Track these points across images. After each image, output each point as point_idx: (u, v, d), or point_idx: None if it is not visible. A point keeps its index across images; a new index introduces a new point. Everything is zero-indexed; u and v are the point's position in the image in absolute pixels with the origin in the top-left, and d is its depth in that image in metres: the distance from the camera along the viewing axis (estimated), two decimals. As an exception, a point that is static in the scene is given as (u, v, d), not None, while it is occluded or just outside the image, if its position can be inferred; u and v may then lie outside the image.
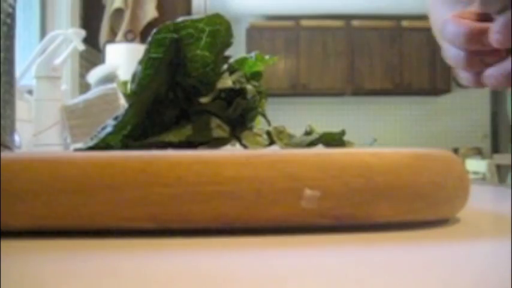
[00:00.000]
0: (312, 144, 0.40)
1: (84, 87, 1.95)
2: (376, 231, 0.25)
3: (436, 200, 0.26)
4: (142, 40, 2.42)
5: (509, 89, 0.59)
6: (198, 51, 0.39)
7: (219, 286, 0.17)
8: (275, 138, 0.41)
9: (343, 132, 0.41)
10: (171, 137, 0.38)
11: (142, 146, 0.39)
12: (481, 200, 0.38)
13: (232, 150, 0.26)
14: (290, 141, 0.41)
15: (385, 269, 0.19)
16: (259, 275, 0.18)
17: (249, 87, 0.42)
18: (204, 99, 0.39)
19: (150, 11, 2.51)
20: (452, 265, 0.20)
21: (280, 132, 0.42)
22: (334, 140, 0.41)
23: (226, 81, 0.40)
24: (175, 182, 0.23)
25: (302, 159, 0.24)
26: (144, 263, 0.20)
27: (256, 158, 0.24)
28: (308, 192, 0.23)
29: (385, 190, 0.24)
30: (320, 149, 0.26)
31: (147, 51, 0.38)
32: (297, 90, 4.70)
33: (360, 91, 4.82)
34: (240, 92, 0.41)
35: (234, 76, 0.42)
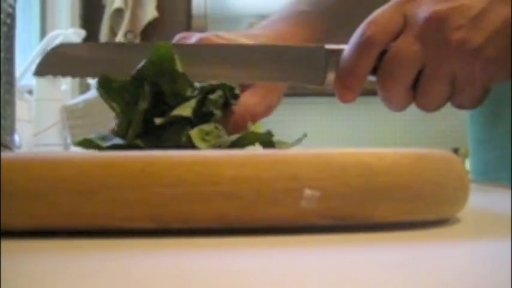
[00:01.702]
0: (233, 145, 0.39)
1: (84, 87, 1.95)
2: (376, 231, 0.25)
3: (436, 200, 0.26)
4: (142, 40, 2.42)
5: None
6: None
7: (219, 286, 0.17)
8: (196, 140, 0.40)
9: (270, 133, 0.40)
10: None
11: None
12: (481, 200, 0.38)
13: (232, 150, 0.26)
14: (215, 142, 0.40)
15: (385, 269, 0.19)
16: (258, 275, 0.18)
17: (216, 112, 0.41)
18: (158, 120, 0.39)
19: (150, 11, 2.51)
20: (452, 265, 0.20)
21: (207, 133, 0.41)
22: (259, 140, 0.40)
23: (185, 109, 0.40)
24: (175, 182, 0.23)
25: (302, 159, 0.24)
26: (144, 263, 0.20)
27: (256, 158, 0.24)
28: (308, 192, 0.23)
29: (385, 190, 0.24)
30: (320, 149, 0.26)
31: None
32: (296, 90, 4.69)
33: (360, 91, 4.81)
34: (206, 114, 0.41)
35: (214, 96, 0.42)
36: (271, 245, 0.23)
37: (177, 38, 0.54)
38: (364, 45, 0.45)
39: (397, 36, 0.44)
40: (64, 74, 0.46)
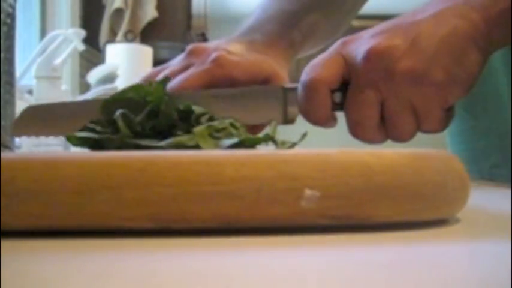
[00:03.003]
0: (232, 147, 0.39)
1: (84, 87, 1.95)
2: (376, 231, 0.25)
3: (436, 200, 0.26)
4: (143, 40, 2.42)
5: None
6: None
7: (219, 286, 0.17)
8: (200, 139, 0.40)
9: (269, 136, 0.40)
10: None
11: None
12: (481, 200, 0.38)
13: (232, 150, 0.26)
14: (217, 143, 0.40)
15: (385, 269, 0.19)
16: (259, 275, 0.18)
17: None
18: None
19: (150, 11, 2.51)
20: (452, 265, 0.20)
21: (217, 130, 0.41)
22: (259, 143, 0.40)
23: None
24: (175, 182, 0.23)
25: (302, 159, 0.24)
26: (144, 263, 0.20)
27: (256, 158, 0.24)
28: (308, 192, 0.23)
29: (385, 190, 0.24)
30: (320, 149, 0.26)
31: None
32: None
33: (360, 91, 4.81)
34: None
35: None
36: (271, 245, 0.23)
37: (189, 49, 0.55)
38: (308, 89, 0.45)
39: (341, 76, 0.45)
40: (38, 134, 0.47)
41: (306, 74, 0.46)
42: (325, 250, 0.22)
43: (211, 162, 0.23)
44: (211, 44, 0.56)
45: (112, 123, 0.40)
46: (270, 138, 0.40)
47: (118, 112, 0.39)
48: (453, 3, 0.45)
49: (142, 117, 0.40)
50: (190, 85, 0.50)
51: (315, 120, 0.46)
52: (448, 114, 0.45)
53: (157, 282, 0.17)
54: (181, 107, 0.42)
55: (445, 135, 0.71)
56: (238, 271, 0.19)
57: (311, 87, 0.45)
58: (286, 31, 0.60)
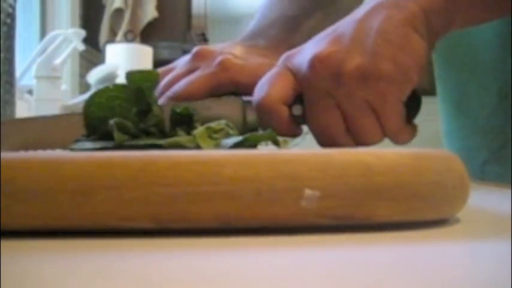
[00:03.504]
0: (236, 145, 0.39)
1: (84, 87, 1.95)
2: (376, 231, 0.25)
3: (436, 200, 0.26)
4: (143, 40, 2.42)
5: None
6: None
7: (218, 286, 0.17)
8: (200, 140, 0.40)
9: (272, 134, 0.40)
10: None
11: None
12: (481, 200, 0.38)
13: (232, 150, 0.26)
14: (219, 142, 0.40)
15: (385, 269, 0.19)
16: (259, 275, 0.18)
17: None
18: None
19: (150, 11, 2.51)
20: (452, 265, 0.20)
21: (215, 131, 0.41)
22: (261, 141, 0.40)
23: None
24: (175, 182, 0.23)
25: (302, 159, 0.24)
26: (144, 263, 0.20)
27: (256, 158, 0.24)
28: (308, 192, 0.23)
29: (385, 190, 0.24)
30: (320, 149, 0.26)
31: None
32: (297, 90, 4.69)
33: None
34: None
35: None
36: (271, 245, 0.23)
37: (195, 52, 0.55)
38: (261, 109, 0.45)
39: (293, 90, 0.45)
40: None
41: (256, 95, 0.46)
42: (325, 250, 0.22)
43: (211, 162, 0.23)
44: (216, 48, 0.56)
45: (104, 134, 0.40)
46: (272, 136, 0.40)
47: (112, 121, 0.39)
48: None
49: (133, 120, 0.40)
50: (195, 88, 0.50)
51: (284, 136, 0.45)
52: (411, 125, 0.45)
53: (157, 282, 0.17)
54: (178, 110, 0.42)
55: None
56: (238, 271, 0.19)
57: (264, 106, 0.45)
58: (288, 36, 0.60)
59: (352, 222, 0.24)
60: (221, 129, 0.40)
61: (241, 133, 0.45)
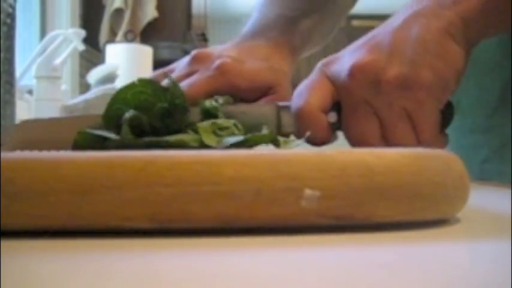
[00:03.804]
0: (237, 145, 0.39)
1: (84, 87, 1.95)
2: (376, 231, 0.25)
3: (436, 200, 0.26)
4: (143, 40, 2.42)
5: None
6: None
7: (218, 286, 0.17)
8: (204, 135, 0.39)
9: (272, 135, 0.40)
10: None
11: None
12: (481, 200, 0.38)
13: (232, 150, 0.26)
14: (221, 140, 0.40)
15: (385, 269, 0.19)
16: (258, 275, 0.18)
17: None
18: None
19: (150, 11, 2.51)
20: (452, 265, 0.20)
21: (221, 128, 0.41)
22: (262, 142, 0.40)
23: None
24: (175, 182, 0.23)
25: (302, 159, 0.24)
26: (144, 263, 0.20)
27: (256, 158, 0.24)
28: (308, 192, 0.23)
29: (385, 190, 0.24)
30: (320, 149, 0.26)
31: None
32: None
33: (360, 91, 4.81)
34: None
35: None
36: (271, 245, 0.23)
37: (193, 55, 0.55)
38: (301, 118, 0.45)
39: (331, 98, 0.45)
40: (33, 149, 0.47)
41: (295, 102, 0.46)
42: (325, 250, 0.22)
43: (211, 162, 0.23)
44: (215, 50, 0.56)
45: (118, 126, 0.40)
46: (273, 137, 0.40)
47: (127, 114, 0.39)
48: (422, 6, 0.45)
49: (156, 116, 0.40)
50: (194, 92, 0.50)
51: (316, 143, 0.46)
52: (443, 134, 0.46)
53: (158, 282, 0.17)
54: (207, 105, 0.42)
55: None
56: (238, 271, 0.19)
57: (303, 114, 0.45)
58: (288, 37, 0.60)
59: (352, 222, 0.24)
60: (227, 128, 0.40)
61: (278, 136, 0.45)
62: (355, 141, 0.45)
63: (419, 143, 0.44)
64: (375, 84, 0.43)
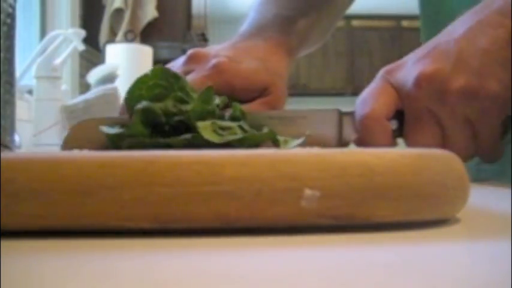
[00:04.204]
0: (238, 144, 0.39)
1: (84, 87, 1.95)
2: (376, 231, 0.25)
3: (436, 200, 0.26)
4: (143, 40, 2.42)
5: None
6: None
7: (218, 286, 0.17)
8: (204, 132, 0.39)
9: (272, 133, 0.40)
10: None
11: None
12: (481, 200, 0.38)
13: (232, 150, 0.26)
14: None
15: (385, 269, 0.19)
16: (258, 275, 0.18)
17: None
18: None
19: (150, 11, 2.51)
20: (452, 265, 0.20)
21: (223, 128, 0.41)
22: (262, 140, 0.40)
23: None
24: (175, 182, 0.23)
25: (302, 159, 0.24)
26: (144, 263, 0.20)
27: (256, 158, 0.24)
28: (308, 192, 0.23)
29: (385, 190, 0.24)
30: (320, 149, 0.26)
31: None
32: (297, 90, 4.70)
33: (360, 91, 4.80)
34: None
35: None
36: (271, 245, 0.23)
37: (189, 54, 0.55)
38: (366, 126, 0.45)
39: (394, 106, 0.45)
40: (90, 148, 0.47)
41: (360, 110, 0.46)
42: (325, 250, 0.22)
43: (211, 162, 0.23)
44: (212, 50, 0.56)
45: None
46: (272, 136, 0.40)
47: (139, 106, 0.39)
48: (484, 15, 0.45)
49: (170, 103, 0.40)
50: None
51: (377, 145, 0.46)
52: (504, 130, 0.46)
53: (158, 282, 0.17)
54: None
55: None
56: (238, 271, 0.19)
57: (369, 122, 0.45)
58: (285, 38, 0.60)
59: (352, 222, 0.24)
60: (229, 128, 0.40)
61: (336, 146, 0.45)
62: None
63: (478, 152, 0.45)
64: (440, 94, 0.43)
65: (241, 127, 0.41)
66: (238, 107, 0.44)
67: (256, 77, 0.53)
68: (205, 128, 0.39)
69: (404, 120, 0.46)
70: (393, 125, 0.46)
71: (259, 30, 0.60)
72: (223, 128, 0.40)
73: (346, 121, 0.48)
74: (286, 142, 0.42)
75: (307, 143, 0.45)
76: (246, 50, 0.57)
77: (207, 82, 0.51)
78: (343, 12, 0.73)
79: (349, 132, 0.47)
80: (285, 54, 0.59)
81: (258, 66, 0.54)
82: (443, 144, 0.44)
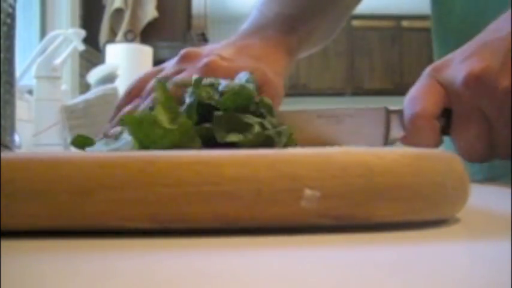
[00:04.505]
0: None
1: (84, 87, 1.95)
2: (376, 231, 0.25)
3: (436, 200, 0.26)
4: (143, 40, 2.42)
5: None
6: None
7: (218, 286, 0.17)
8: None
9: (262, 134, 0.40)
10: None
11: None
12: (481, 200, 0.38)
13: (232, 150, 0.26)
14: None
15: (385, 269, 0.19)
16: (258, 275, 0.18)
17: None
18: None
19: (150, 11, 2.51)
20: (452, 265, 0.20)
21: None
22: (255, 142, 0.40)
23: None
24: (175, 182, 0.23)
25: (302, 159, 0.24)
26: (144, 263, 0.20)
27: (256, 158, 0.24)
28: (308, 192, 0.23)
29: (385, 190, 0.24)
30: (320, 149, 0.26)
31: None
32: (297, 90, 4.70)
33: (360, 91, 4.82)
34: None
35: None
36: (271, 245, 0.23)
37: (182, 54, 0.55)
38: (415, 124, 0.45)
39: (443, 104, 0.45)
40: None
41: (409, 108, 0.46)
42: (325, 250, 0.22)
43: (211, 162, 0.23)
44: (205, 49, 0.56)
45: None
46: (265, 137, 0.40)
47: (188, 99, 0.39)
48: None
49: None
50: (180, 90, 0.50)
51: (425, 145, 0.46)
52: None
53: (158, 282, 0.17)
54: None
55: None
56: (238, 271, 0.19)
57: (418, 122, 0.45)
58: (285, 37, 0.60)
59: (352, 222, 0.24)
60: (247, 124, 0.40)
61: (383, 144, 0.45)
62: (463, 147, 0.46)
63: None
64: (489, 93, 0.43)
65: (262, 124, 0.41)
66: (266, 102, 0.43)
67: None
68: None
69: (451, 117, 0.46)
70: (441, 122, 0.46)
71: (258, 29, 0.60)
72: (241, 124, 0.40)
73: (394, 119, 0.48)
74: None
75: (354, 141, 0.46)
76: (241, 48, 0.56)
77: None
78: (347, 14, 0.72)
79: (397, 131, 0.47)
80: (284, 53, 0.59)
81: (250, 64, 0.54)
82: (491, 141, 0.45)
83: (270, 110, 0.43)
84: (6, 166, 0.23)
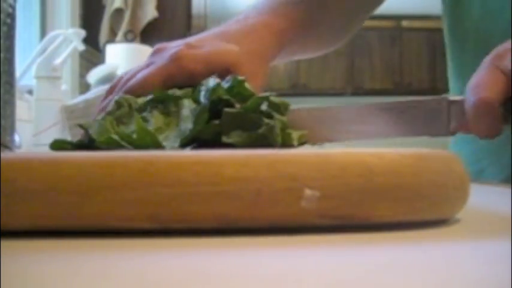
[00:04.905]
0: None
1: (84, 87, 1.95)
2: (376, 231, 0.25)
3: (436, 200, 0.26)
4: (143, 40, 2.42)
5: None
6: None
7: (218, 286, 0.17)
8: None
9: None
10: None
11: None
12: (481, 200, 0.38)
13: (232, 150, 0.26)
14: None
15: (384, 269, 0.19)
16: (258, 275, 0.18)
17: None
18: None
19: (150, 11, 2.51)
20: (452, 265, 0.20)
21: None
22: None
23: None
24: (175, 182, 0.23)
25: (302, 159, 0.24)
26: (144, 263, 0.20)
27: (256, 158, 0.24)
28: (308, 192, 0.23)
29: (385, 190, 0.24)
30: (320, 149, 0.26)
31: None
32: (297, 90, 4.70)
33: (360, 91, 4.82)
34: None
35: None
36: (271, 245, 0.23)
37: (154, 48, 0.55)
38: (480, 112, 0.45)
39: (506, 92, 0.45)
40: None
41: (473, 97, 0.45)
42: (325, 250, 0.22)
43: (211, 162, 0.23)
44: (177, 41, 0.55)
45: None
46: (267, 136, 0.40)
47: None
48: None
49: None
50: (148, 81, 0.50)
51: (487, 136, 0.46)
52: None
53: (158, 282, 0.17)
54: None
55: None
56: (238, 271, 0.19)
57: (482, 110, 0.45)
58: (273, 18, 0.59)
59: (352, 222, 0.24)
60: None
61: (444, 135, 0.45)
62: None
63: None
64: None
65: (268, 124, 0.40)
66: (273, 101, 0.43)
67: (214, 58, 0.52)
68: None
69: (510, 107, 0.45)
70: (501, 111, 0.46)
71: (246, 15, 0.59)
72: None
73: (454, 109, 0.47)
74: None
75: (415, 131, 0.46)
76: (217, 34, 0.56)
77: (164, 70, 0.50)
78: (359, 15, 0.72)
79: (458, 120, 0.47)
80: (268, 33, 0.57)
81: (216, 47, 0.53)
82: None
83: (280, 108, 0.43)
84: (6, 166, 0.23)
